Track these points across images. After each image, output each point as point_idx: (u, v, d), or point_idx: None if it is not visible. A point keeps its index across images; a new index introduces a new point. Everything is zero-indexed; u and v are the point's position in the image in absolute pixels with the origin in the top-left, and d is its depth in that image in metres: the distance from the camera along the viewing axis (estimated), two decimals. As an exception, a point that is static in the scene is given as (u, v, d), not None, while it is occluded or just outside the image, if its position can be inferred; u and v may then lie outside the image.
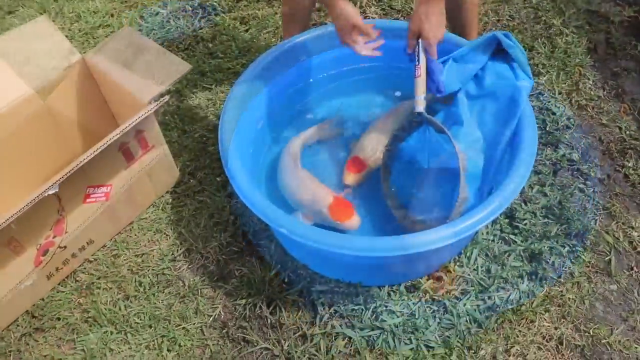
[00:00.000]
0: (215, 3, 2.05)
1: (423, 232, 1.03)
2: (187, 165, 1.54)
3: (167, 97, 1.26)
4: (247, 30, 1.93)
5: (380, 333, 1.21)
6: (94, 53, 1.44)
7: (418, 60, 1.24)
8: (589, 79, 1.73)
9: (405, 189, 1.33)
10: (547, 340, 1.20)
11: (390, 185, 1.33)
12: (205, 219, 1.42)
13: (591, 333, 1.21)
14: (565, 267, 1.31)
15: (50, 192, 1.09)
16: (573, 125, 1.62)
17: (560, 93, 1.69)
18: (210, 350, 1.22)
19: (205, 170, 1.52)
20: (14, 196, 1.46)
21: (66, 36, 1.95)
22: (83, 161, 1.12)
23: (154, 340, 1.24)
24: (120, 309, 1.29)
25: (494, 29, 1.86)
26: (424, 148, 1.34)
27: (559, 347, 1.20)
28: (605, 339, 1.20)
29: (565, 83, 1.72)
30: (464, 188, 1.17)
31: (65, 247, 1.30)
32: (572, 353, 1.19)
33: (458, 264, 1.31)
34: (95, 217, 1.33)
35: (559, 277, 1.30)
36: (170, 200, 1.47)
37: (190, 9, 2.06)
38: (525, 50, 1.77)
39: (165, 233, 1.41)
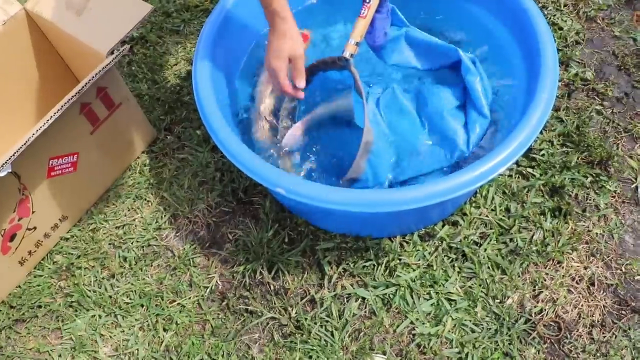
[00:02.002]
0: None
1: (445, 179, 0.90)
2: (162, 120, 1.37)
3: (127, 47, 1.08)
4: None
5: (396, 290, 1.10)
6: (35, 1, 1.24)
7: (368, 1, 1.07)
8: (595, -14, 1.57)
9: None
10: (577, 282, 1.10)
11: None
12: (188, 178, 1.27)
13: (623, 270, 1.11)
14: (590, 200, 1.20)
15: (2, 174, 0.93)
16: (583, 40, 1.46)
17: (565, 5, 1.53)
18: (211, 326, 1.10)
19: (182, 124, 1.36)
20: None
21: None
22: (36, 133, 0.95)
23: (147, 321, 1.12)
24: (106, 289, 1.16)
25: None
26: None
27: (590, 288, 1.10)
28: (639, 275, 1.10)
29: (571, -7, 1.56)
30: (359, 162, 1.04)
31: (34, 228, 1.15)
32: (604, 294, 1.09)
33: (474, 205, 1.19)
34: (64, 191, 1.18)
35: (584, 210, 1.18)
36: (148, 161, 1.31)
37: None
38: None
39: (145, 199, 1.26)
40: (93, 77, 1.02)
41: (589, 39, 1.48)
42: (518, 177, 1.22)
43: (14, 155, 0.93)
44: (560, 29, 1.49)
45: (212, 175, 1.26)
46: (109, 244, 1.22)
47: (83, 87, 1.00)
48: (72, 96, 1.00)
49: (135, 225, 1.23)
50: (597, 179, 1.22)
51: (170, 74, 1.46)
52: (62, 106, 0.98)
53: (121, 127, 1.23)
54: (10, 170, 0.94)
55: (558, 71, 1.03)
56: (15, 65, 1.28)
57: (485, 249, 1.13)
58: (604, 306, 1.08)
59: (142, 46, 1.52)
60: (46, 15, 1.21)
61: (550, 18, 1.50)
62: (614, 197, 1.21)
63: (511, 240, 1.14)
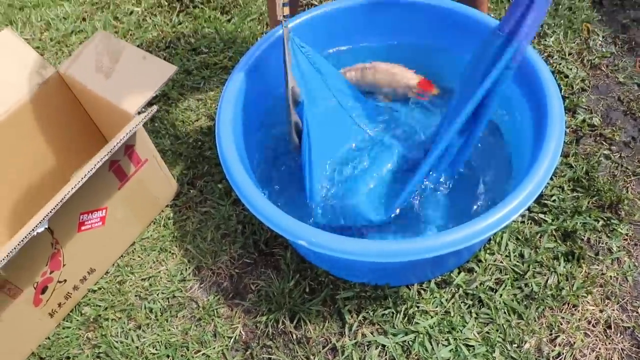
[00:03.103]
0: (192, -6, 1.92)
1: (454, 229, 0.94)
2: (185, 174, 1.43)
3: (155, 108, 1.15)
4: (229, 21, 1.81)
5: (415, 337, 1.12)
6: (68, 64, 1.32)
7: None
8: (598, 35, 1.63)
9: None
10: (593, 325, 1.12)
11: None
12: (211, 231, 1.32)
13: (639, 312, 1.13)
14: (602, 243, 1.23)
15: (39, 230, 0.98)
16: (589, 87, 1.52)
17: (570, 54, 1.59)
18: (235, 375, 1.13)
19: (204, 178, 1.41)
20: (5, 227, 1.36)
21: (37, 47, 1.84)
22: (71, 191, 1.01)
23: (173, 371, 1.15)
24: (132, 340, 1.19)
25: (492, -8, 1.75)
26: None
27: (607, 331, 1.11)
28: (655, 317, 1.12)
29: (574, 42, 1.62)
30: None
31: (64, 280, 1.20)
32: (621, 336, 1.11)
33: (489, 251, 1.22)
34: (93, 244, 1.23)
35: (597, 254, 1.21)
36: (172, 214, 1.36)
37: (166, 3, 1.93)
38: (529, 11, 1.68)
39: (170, 251, 1.31)
40: (124, 136, 1.08)
41: (594, 85, 1.53)
42: (530, 223, 1.26)
43: (51, 212, 0.98)
44: (566, 76, 1.54)
45: (234, 228, 1.31)
46: (135, 295, 1.26)
47: (114, 146, 1.06)
48: (104, 155, 1.05)
49: (161, 277, 1.27)
50: (609, 222, 1.25)
51: (192, 129, 1.52)
52: (95, 165, 1.04)
53: (147, 183, 1.28)
54: (46, 226, 0.99)
55: (564, 119, 1.08)
56: (46, 124, 1.35)
57: (501, 295, 1.16)
58: (622, 349, 1.09)
59: (165, 103, 1.59)
60: (77, 78, 1.29)
61: (555, 66, 1.56)
62: (625, 239, 1.23)
63: (526, 285, 1.17)
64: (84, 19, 1.97)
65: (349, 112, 1.29)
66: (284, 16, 1.10)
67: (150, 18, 1.88)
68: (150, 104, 1.17)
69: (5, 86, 1.27)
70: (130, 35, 1.84)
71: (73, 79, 1.30)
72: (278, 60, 1.16)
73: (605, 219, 1.26)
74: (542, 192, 1.28)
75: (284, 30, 1.11)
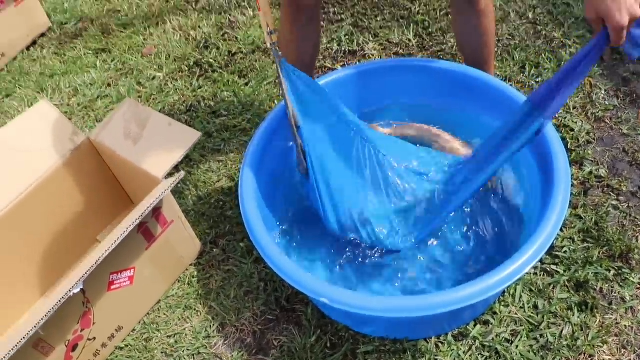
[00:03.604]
0: (211, 60, 2.02)
1: (470, 284, 0.98)
2: (207, 233, 1.49)
3: (182, 173, 1.22)
4: (247, 84, 1.90)
5: (435, 389, 1.15)
6: (98, 131, 1.41)
7: None
8: (600, 89, 1.70)
9: None
10: (610, 375, 1.14)
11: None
12: (234, 289, 1.36)
13: (655, 361, 1.15)
14: (615, 292, 1.26)
15: (75, 290, 1.04)
16: (594, 139, 1.57)
17: (574, 107, 1.65)
18: None
19: (227, 237, 1.47)
20: (35, 286, 1.42)
21: (65, 112, 1.94)
22: (105, 253, 1.07)
23: None
24: (159, 397, 1.23)
25: (496, 50, 1.83)
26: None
27: (624, 380, 1.13)
28: (671, 366, 1.14)
29: (577, 96, 1.68)
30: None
31: (94, 338, 1.25)
32: (639, 385, 1.13)
33: (503, 304, 1.25)
34: (121, 303, 1.28)
35: (610, 304, 1.24)
36: (196, 273, 1.42)
37: (186, 68, 2.03)
38: (531, 68, 1.76)
39: (195, 309, 1.35)
40: (154, 201, 1.15)
41: (599, 138, 1.58)
42: (543, 275, 1.29)
43: (86, 273, 1.04)
44: (572, 130, 1.60)
45: (256, 285, 1.36)
46: (162, 352, 1.30)
47: (145, 210, 1.13)
48: (136, 219, 1.12)
49: (186, 334, 1.31)
50: (620, 272, 1.29)
51: (214, 190, 1.59)
52: (127, 229, 1.10)
53: (172, 242, 1.35)
54: (82, 287, 1.05)
55: (570, 175, 1.13)
56: (77, 186, 1.43)
57: (517, 346, 1.18)
58: (639, 399, 1.11)
59: (187, 165, 1.66)
60: (107, 144, 1.38)
61: (561, 121, 1.62)
62: (638, 288, 1.26)
63: (541, 336, 1.20)
64: (109, 85, 2.08)
65: (350, 126, 1.29)
66: (272, 43, 1.15)
67: (171, 83, 1.99)
68: (175, 167, 1.25)
69: (41, 152, 1.36)
70: (153, 99, 1.94)
71: (103, 145, 1.39)
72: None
73: (617, 268, 1.29)
74: (553, 244, 1.33)
75: (276, 58, 1.16)
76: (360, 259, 1.30)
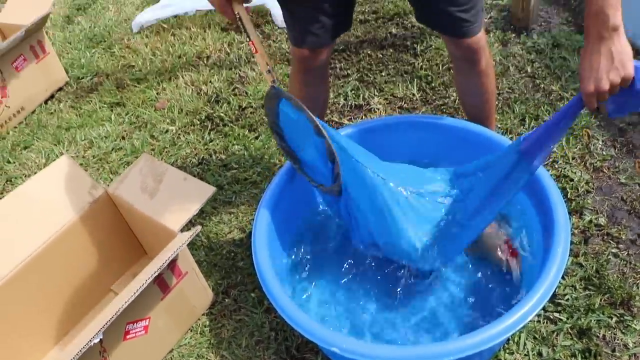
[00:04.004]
0: (222, 114, 2.11)
1: (473, 333, 1.02)
2: (219, 284, 1.53)
3: (199, 227, 1.28)
4: (257, 138, 1.98)
5: None
6: (116, 185, 1.48)
7: (249, 37, 1.19)
8: (598, 140, 1.76)
9: None
10: (616, 422, 1.16)
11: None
12: (245, 338, 1.40)
13: (659, 408, 1.18)
14: (618, 339, 1.29)
15: (95, 340, 1.08)
16: (593, 189, 1.63)
17: (573, 158, 1.71)
18: None
19: (238, 288, 1.51)
20: (49, 335, 1.46)
21: (81, 164, 2.02)
22: (125, 304, 1.12)
23: None
24: None
25: (497, 103, 1.90)
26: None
27: None
28: (676, 412, 1.16)
29: (576, 147, 1.74)
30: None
31: (110, 388, 1.28)
32: None
33: (508, 351, 1.28)
34: (136, 352, 1.31)
35: (614, 350, 1.27)
36: (208, 322, 1.46)
37: (198, 122, 2.12)
38: (531, 120, 1.83)
39: (207, 358, 1.39)
40: (171, 254, 1.20)
41: (598, 187, 1.63)
42: (546, 322, 1.33)
43: (106, 324, 1.08)
44: (571, 180, 1.65)
45: (267, 335, 1.39)
46: (175, 401, 1.33)
47: (162, 263, 1.18)
48: (154, 272, 1.17)
49: (198, 383, 1.35)
50: (622, 318, 1.32)
51: (225, 241, 1.64)
52: (145, 280, 1.15)
53: (186, 293, 1.39)
54: (101, 337, 1.09)
55: (570, 225, 1.18)
56: (94, 238, 1.49)
57: (524, 393, 1.21)
58: None
59: (199, 216, 1.72)
60: (124, 197, 1.44)
61: (561, 171, 1.68)
62: (640, 336, 1.29)
63: (547, 383, 1.22)
64: (123, 138, 2.16)
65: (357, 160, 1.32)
66: (272, 82, 1.21)
67: (184, 136, 2.07)
68: (192, 223, 1.30)
69: (61, 205, 1.43)
70: (166, 152, 2.02)
71: (121, 198, 1.45)
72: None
73: (619, 315, 1.32)
74: (555, 291, 1.36)
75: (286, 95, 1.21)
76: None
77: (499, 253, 1.36)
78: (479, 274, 1.37)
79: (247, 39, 1.19)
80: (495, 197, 1.24)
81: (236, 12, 1.17)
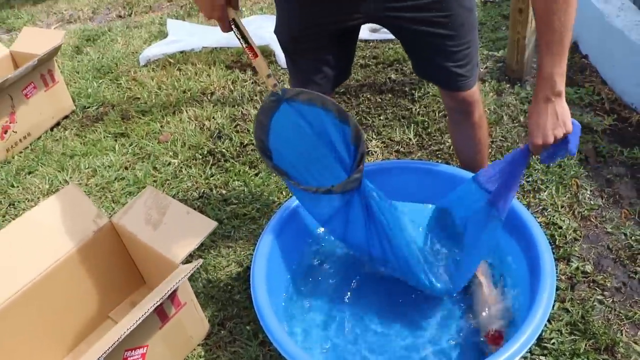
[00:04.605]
0: (223, 150, 2.17)
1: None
2: (216, 315, 1.57)
3: (200, 261, 1.32)
4: (257, 174, 2.04)
5: None
6: (120, 215, 1.52)
7: (246, 42, 1.17)
8: (586, 189, 1.83)
9: None
10: None
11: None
12: (240, 370, 1.43)
13: None
14: (601, 385, 1.33)
15: (96, 368, 1.11)
16: (580, 236, 1.68)
17: (562, 206, 1.78)
18: None
19: (234, 320, 1.55)
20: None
21: (84, 192, 2.06)
22: (126, 332, 1.16)
23: None
24: None
25: (490, 151, 1.97)
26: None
27: None
28: None
29: (565, 196, 1.81)
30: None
31: (105, 415, 1.30)
32: None
33: (495, 393, 1.32)
34: (132, 380, 1.34)
35: (597, 396, 1.31)
36: (203, 353, 1.49)
37: (200, 157, 2.18)
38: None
39: (201, 388, 1.42)
40: (173, 285, 1.24)
41: (585, 235, 1.69)
42: (533, 365, 1.37)
43: (106, 351, 1.12)
44: (560, 227, 1.71)
45: (261, 367, 1.43)
46: None
47: (164, 294, 1.22)
48: (156, 302, 1.21)
49: (191, 413, 1.37)
50: (606, 365, 1.36)
51: (223, 274, 1.68)
52: (147, 310, 1.19)
53: (184, 323, 1.43)
54: (101, 366, 1.13)
55: (555, 273, 1.24)
56: (95, 265, 1.53)
57: None
58: None
59: (199, 249, 1.77)
60: (128, 227, 1.49)
61: (550, 218, 1.74)
62: (623, 382, 1.33)
63: None
64: (126, 168, 2.21)
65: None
66: (273, 86, 1.21)
67: (185, 169, 2.12)
68: (191, 255, 1.35)
69: (65, 232, 1.47)
70: (168, 184, 2.07)
71: (124, 228, 1.50)
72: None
73: (602, 361, 1.37)
74: (541, 335, 1.41)
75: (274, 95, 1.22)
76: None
77: (483, 336, 1.38)
78: (467, 317, 1.41)
79: (245, 45, 1.17)
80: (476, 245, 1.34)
81: (231, 18, 1.16)
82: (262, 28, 2.82)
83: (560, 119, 1.15)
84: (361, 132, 1.20)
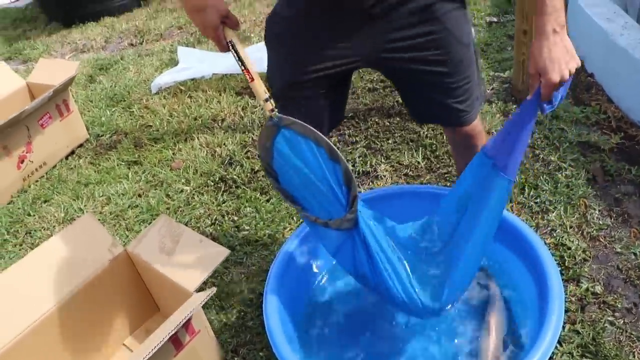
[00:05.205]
0: (235, 176, 2.21)
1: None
2: (229, 342, 1.59)
3: (214, 289, 1.35)
4: (268, 201, 2.07)
5: None
6: (135, 244, 1.56)
7: (244, 65, 1.13)
8: (595, 209, 1.84)
9: None
10: None
11: None
12: (253, 396, 1.45)
13: None
14: (614, 408, 1.33)
15: (114, 396, 1.14)
16: (590, 257, 1.69)
17: (571, 227, 1.79)
18: None
19: (247, 347, 1.57)
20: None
21: (98, 219, 2.10)
22: (142, 362, 1.18)
23: None
24: None
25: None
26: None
27: None
28: None
29: (573, 216, 1.82)
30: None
31: None
32: None
33: (507, 416, 1.33)
34: (148, 408, 1.36)
35: (610, 419, 1.31)
36: (217, 380, 1.51)
37: (212, 183, 2.22)
38: (530, 190, 1.92)
39: (215, 415, 1.43)
40: (188, 314, 1.27)
41: (594, 255, 1.70)
42: (544, 389, 1.37)
43: (123, 383, 1.14)
44: (569, 248, 1.72)
45: (275, 393, 1.44)
46: None
47: (179, 323, 1.25)
48: (171, 330, 1.24)
49: None
50: (618, 387, 1.36)
51: (236, 301, 1.71)
52: (162, 339, 1.21)
53: (198, 350, 1.45)
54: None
55: (564, 294, 1.25)
56: (111, 293, 1.56)
57: None
58: None
59: (212, 276, 1.77)
60: (143, 256, 1.52)
61: (559, 239, 1.75)
62: (635, 405, 1.33)
63: None
64: (139, 195, 2.25)
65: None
66: (270, 110, 1.14)
67: (197, 196, 2.16)
68: (205, 283, 1.38)
69: (81, 261, 1.51)
70: (180, 211, 2.11)
71: (139, 257, 1.53)
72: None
73: (615, 384, 1.37)
74: (552, 358, 1.42)
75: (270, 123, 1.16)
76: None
77: None
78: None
79: (242, 68, 1.13)
80: (483, 218, 1.25)
81: (228, 40, 1.13)
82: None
83: (569, 51, 1.10)
84: (351, 173, 1.14)
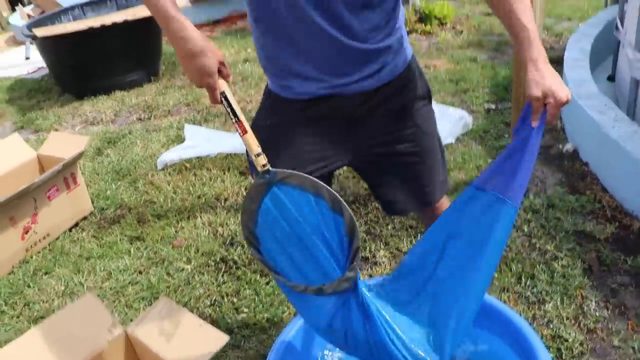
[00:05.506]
0: (236, 257, 2.24)
1: None
2: None
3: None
4: (267, 283, 2.09)
5: None
6: (134, 326, 1.57)
7: (236, 117, 1.10)
8: (591, 301, 1.85)
9: None
10: None
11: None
12: None
13: None
14: None
15: None
16: (587, 350, 1.69)
17: (567, 318, 1.80)
18: None
19: None
20: None
21: (98, 295, 2.12)
22: None
23: None
24: None
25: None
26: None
27: None
28: None
29: (570, 307, 1.83)
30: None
31: None
32: None
33: None
34: None
35: None
36: None
37: (213, 264, 2.24)
38: (527, 279, 1.94)
39: None
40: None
41: (592, 348, 1.70)
42: None
43: None
44: (566, 340, 1.72)
45: None
46: None
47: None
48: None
49: None
50: None
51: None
52: None
53: None
54: None
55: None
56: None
57: None
58: None
59: None
60: (141, 339, 1.52)
61: (556, 331, 1.75)
62: None
63: None
64: (140, 272, 2.27)
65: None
66: (262, 166, 1.11)
67: (198, 276, 2.18)
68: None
69: (80, 341, 1.51)
70: (180, 291, 2.12)
71: (138, 339, 1.53)
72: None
73: None
74: None
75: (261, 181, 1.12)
76: None
77: None
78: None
79: (233, 120, 1.10)
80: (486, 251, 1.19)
81: (221, 91, 1.10)
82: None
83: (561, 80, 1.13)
84: (355, 223, 1.10)
